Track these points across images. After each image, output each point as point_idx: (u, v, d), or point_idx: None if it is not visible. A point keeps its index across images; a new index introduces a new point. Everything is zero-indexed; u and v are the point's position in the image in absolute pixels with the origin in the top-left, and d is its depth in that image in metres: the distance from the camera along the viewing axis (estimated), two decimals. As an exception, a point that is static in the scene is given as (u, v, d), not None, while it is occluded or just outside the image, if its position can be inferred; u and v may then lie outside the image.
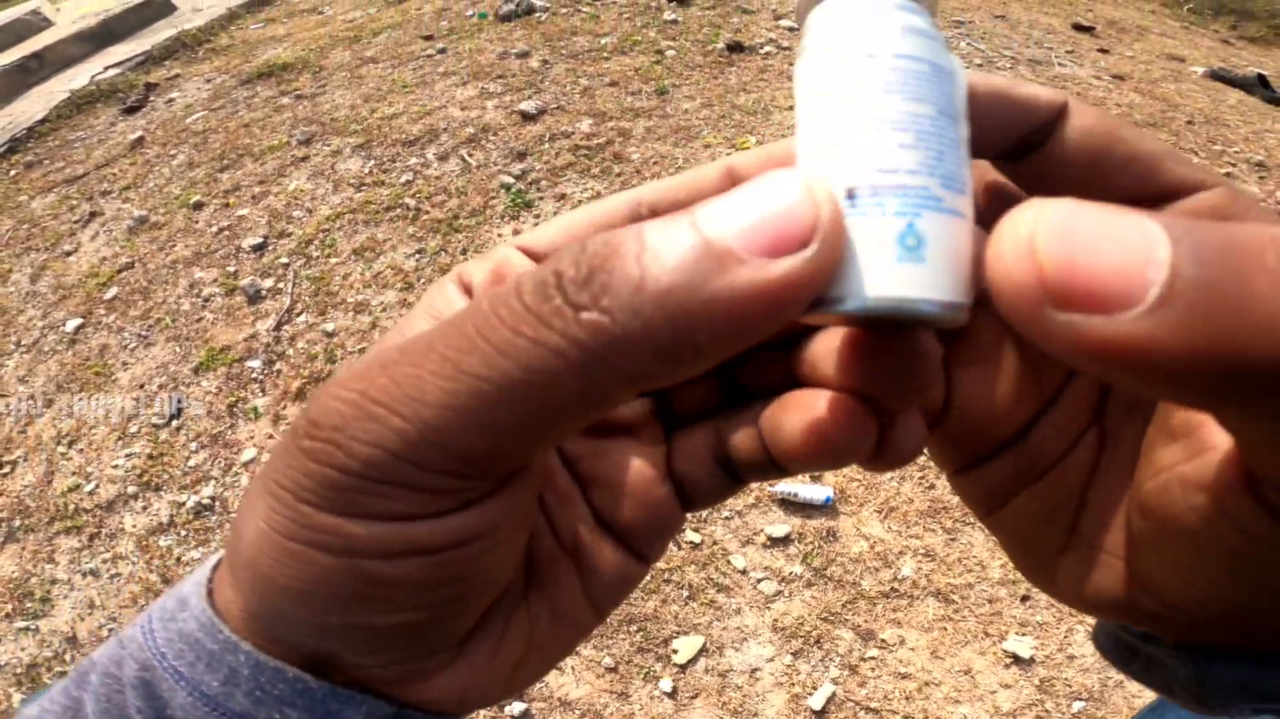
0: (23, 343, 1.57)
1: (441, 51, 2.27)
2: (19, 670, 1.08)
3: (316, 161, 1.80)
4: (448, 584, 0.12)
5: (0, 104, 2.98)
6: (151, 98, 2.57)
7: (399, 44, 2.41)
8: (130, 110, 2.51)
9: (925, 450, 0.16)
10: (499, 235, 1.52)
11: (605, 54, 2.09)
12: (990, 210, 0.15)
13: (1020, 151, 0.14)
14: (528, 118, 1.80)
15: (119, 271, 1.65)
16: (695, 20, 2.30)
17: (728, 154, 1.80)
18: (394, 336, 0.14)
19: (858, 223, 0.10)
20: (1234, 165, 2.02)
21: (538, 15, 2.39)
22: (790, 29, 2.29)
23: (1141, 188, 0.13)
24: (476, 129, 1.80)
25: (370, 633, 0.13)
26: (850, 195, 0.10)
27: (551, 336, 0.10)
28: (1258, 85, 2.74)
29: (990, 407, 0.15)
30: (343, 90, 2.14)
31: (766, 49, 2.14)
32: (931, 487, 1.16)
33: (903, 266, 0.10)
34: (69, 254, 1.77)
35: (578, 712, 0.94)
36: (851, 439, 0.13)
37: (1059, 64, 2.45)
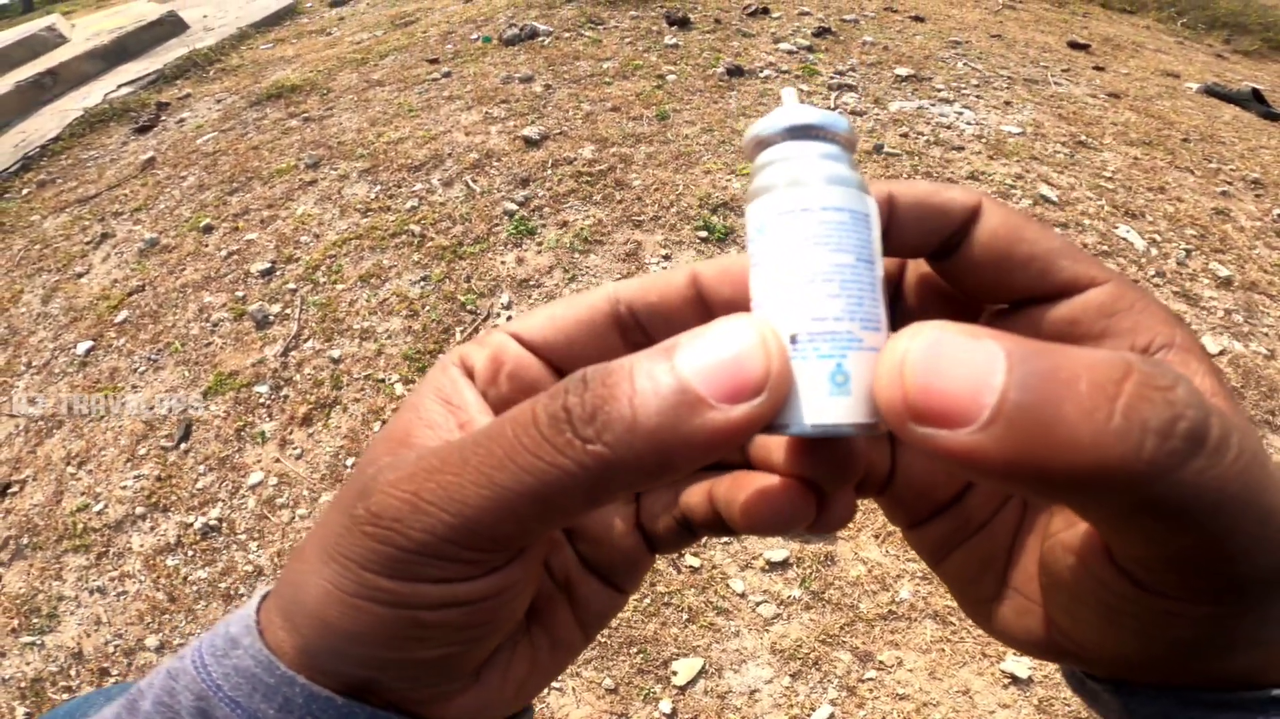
0: (34, 364, 1.60)
1: (446, 75, 2.31)
2: (23, 684, 1.09)
3: (324, 186, 1.83)
4: (477, 627, 0.16)
5: (14, 120, 3.04)
6: (163, 117, 2.62)
7: (405, 67, 2.46)
8: (142, 130, 2.55)
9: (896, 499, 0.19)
10: (501, 263, 1.54)
11: (607, 79, 2.12)
12: (921, 304, 0.18)
13: (943, 252, 0.16)
14: (531, 143, 1.83)
15: (130, 294, 1.67)
16: (696, 44, 2.34)
17: (727, 180, 1.82)
18: (407, 414, 0.17)
19: (799, 364, 0.13)
20: (1230, 183, 2.03)
21: (541, 40, 2.44)
22: (789, 52, 2.33)
23: (1040, 285, 0.15)
24: (480, 155, 1.83)
25: (413, 664, 0.16)
26: (793, 340, 0.13)
27: (565, 462, 0.12)
28: (1252, 100, 2.77)
29: (926, 476, 0.18)
30: (350, 113, 2.18)
31: (766, 73, 2.18)
32: (927, 512, 1.17)
33: (833, 399, 0.13)
34: (80, 275, 1.80)
35: (579, 733, 0.95)
36: (796, 515, 0.16)
37: (1054, 83, 2.48)
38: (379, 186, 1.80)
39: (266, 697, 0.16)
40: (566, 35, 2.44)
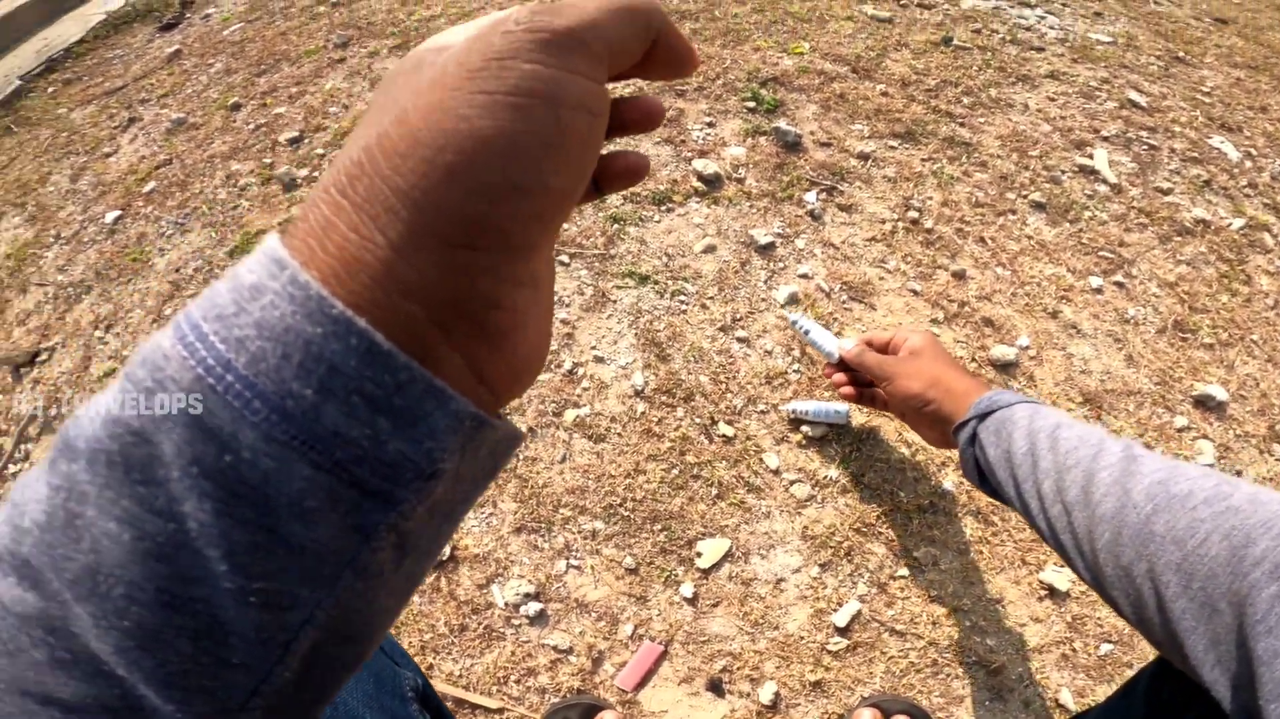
0: (62, 235, 1.59)
1: (479, -38, 2.18)
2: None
3: (353, 63, 1.76)
4: (591, 153, 0.16)
5: (35, 29, 3.00)
6: (188, 14, 2.56)
7: (436, -43, 2.33)
8: (167, 28, 2.50)
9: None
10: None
11: (650, -34, 1.98)
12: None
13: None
14: (568, 20, 1.72)
15: (157, 168, 1.65)
16: (747, -65, 2.16)
17: (779, 56, 1.68)
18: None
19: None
20: (1334, 117, 1.83)
21: (580, -70, 2.28)
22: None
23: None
24: (514, 33, 1.73)
25: (529, 189, 0.15)
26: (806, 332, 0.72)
27: None
28: (1368, 37, 2.46)
29: None
30: (378, -1, 2.08)
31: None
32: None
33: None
34: (108, 155, 1.78)
35: (594, 614, 0.90)
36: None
37: (1154, 3, 2.25)
38: (408, 61, 1.72)
39: (303, 367, 0.12)
40: (608, -73, 2.27)
